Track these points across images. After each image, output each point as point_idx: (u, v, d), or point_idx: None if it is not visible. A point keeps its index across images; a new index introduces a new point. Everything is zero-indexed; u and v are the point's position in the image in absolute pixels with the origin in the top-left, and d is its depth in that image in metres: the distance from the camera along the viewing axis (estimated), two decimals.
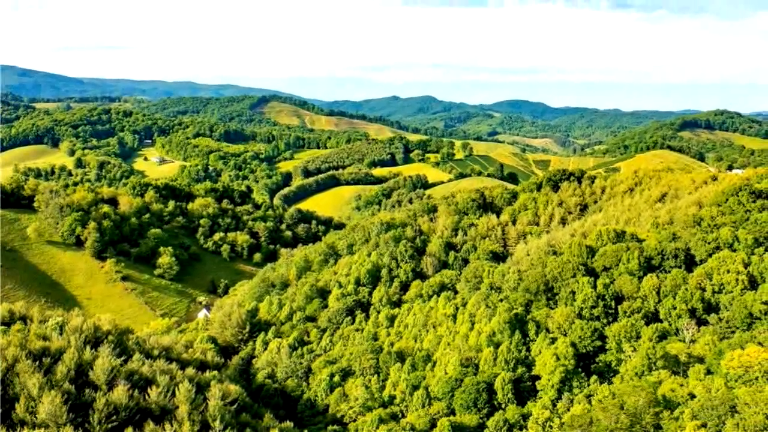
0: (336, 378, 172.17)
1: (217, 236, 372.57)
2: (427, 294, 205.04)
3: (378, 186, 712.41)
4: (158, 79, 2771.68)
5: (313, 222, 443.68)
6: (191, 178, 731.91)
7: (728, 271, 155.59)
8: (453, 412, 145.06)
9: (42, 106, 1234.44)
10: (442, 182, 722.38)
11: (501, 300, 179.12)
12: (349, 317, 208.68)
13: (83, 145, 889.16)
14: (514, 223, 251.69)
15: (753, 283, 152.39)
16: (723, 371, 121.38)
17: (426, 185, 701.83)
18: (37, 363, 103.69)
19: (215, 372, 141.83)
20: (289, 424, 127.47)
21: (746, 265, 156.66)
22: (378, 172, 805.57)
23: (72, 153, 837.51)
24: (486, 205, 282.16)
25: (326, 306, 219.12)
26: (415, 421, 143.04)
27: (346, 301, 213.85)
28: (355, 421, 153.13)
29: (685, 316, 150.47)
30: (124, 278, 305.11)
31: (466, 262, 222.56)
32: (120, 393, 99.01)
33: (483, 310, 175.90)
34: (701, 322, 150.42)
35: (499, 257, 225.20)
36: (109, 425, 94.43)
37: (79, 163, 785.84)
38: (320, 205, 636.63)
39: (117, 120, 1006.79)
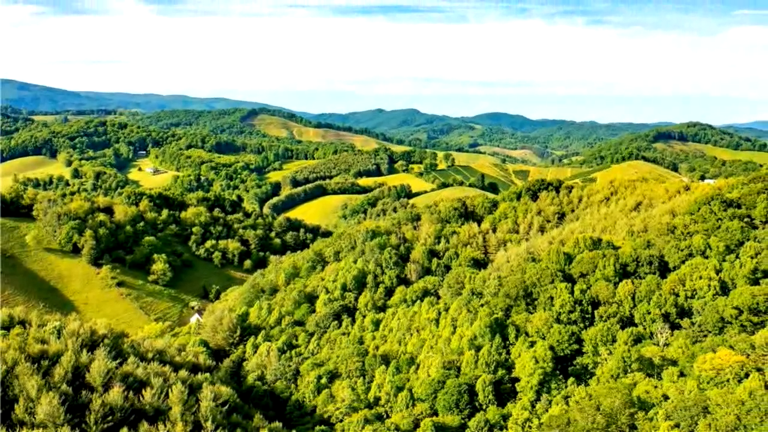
0: (323, 380, 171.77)
1: (208, 243, 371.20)
2: (411, 299, 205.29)
3: (363, 195, 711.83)
4: (152, 93, 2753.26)
5: (301, 230, 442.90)
6: (184, 187, 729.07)
7: (700, 277, 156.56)
8: (436, 413, 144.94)
9: (40, 119, 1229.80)
10: (426, 192, 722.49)
11: (482, 305, 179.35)
12: (336, 322, 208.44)
13: (80, 156, 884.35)
14: (494, 231, 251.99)
15: (724, 289, 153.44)
16: (695, 373, 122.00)
17: (410, 195, 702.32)
18: (36, 365, 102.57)
19: (207, 374, 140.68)
20: (278, 424, 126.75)
21: (718, 272, 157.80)
22: (364, 182, 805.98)
23: (69, 163, 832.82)
24: (467, 214, 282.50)
25: (314, 311, 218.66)
26: (400, 421, 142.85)
27: (333, 306, 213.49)
28: (341, 421, 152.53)
29: (659, 321, 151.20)
30: (120, 284, 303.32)
31: (448, 268, 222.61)
32: (115, 394, 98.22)
33: (465, 314, 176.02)
34: (675, 327, 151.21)
35: (480, 264, 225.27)
36: (105, 425, 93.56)
37: (76, 174, 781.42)
38: (308, 213, 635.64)
39: (112, 132, 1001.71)
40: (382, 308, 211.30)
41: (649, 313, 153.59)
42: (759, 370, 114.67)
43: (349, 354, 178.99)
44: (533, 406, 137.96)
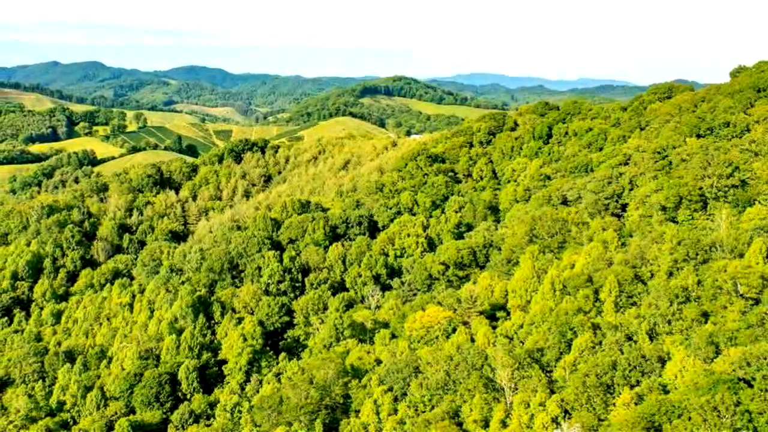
0: None
1: None
2: (99, 283, 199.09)
3: (37, 165, 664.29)
4: None
5: None
6: None
7: (409, 235, 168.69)
8: (133, 411, 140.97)
9: None
10: (114, 158, 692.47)
11: (183, 283, 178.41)
12: (6, 318, 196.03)
13: None
14: (194, 198, 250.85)
15: (431, 245, 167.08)
16: (406, 334, 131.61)
17: (95, 162, 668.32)
18: None
19: None
20: None
21: (425, 228, 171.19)
22: (37, 148, 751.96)
23: None
24: (164, 181, 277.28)
25: None
26: (90, 426, 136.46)
27: (2, 300, 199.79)
28: None
29: (371, 283, 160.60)
30: None
31: (142, 244, 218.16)
32: None
33: (163, 295, 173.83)
34: (385, 288, 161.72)
35: (179, 237, 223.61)
36: None
37: None
38: None
39: None
40: (65, 297, 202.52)
41: (360, 276, 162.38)
42: (465, 323, 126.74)
43: (24, 355, 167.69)
44: (243, 389, 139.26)
